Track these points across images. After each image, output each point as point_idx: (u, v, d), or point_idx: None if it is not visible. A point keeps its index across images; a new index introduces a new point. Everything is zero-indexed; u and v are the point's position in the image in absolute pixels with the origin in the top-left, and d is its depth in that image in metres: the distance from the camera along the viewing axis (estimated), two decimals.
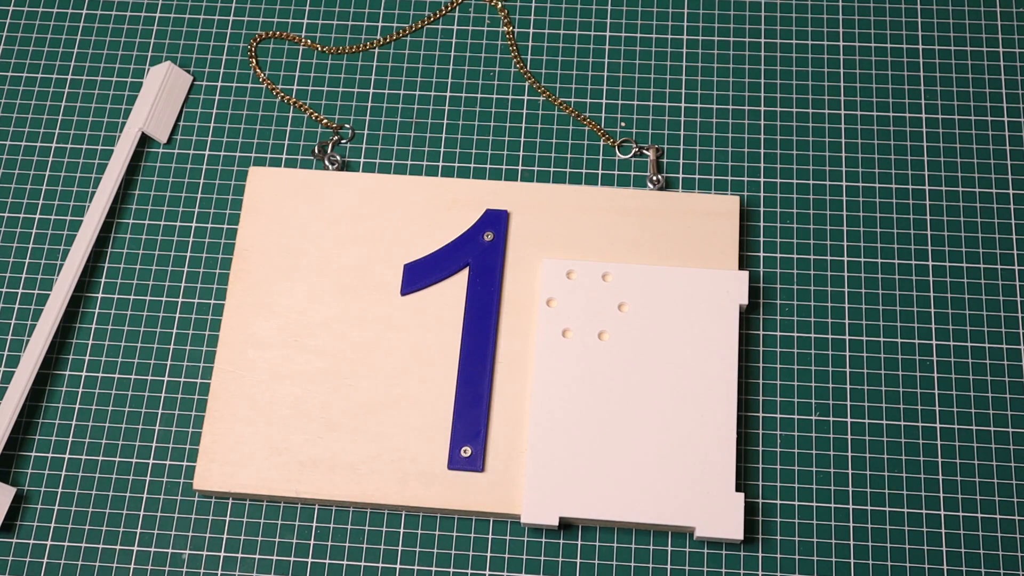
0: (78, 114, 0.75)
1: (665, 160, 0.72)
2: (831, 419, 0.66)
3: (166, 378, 0.68)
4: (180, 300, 0.70)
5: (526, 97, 0.74)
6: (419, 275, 0.68)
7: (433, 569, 0.63)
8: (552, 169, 0.72)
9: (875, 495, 0.64)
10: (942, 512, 0.64)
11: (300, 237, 0.69)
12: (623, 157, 0.72)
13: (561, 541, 0.64)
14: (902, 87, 0.74)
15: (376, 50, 0.76)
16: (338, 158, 0.72)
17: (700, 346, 0.65)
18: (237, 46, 0.77)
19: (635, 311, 0.66)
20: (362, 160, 0.73)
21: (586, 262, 0.67)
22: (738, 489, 0.64)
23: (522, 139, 0.73)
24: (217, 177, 0.73)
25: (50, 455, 0.66)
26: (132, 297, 0.70)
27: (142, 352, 0.68)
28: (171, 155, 0.74)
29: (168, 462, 0.66)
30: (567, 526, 0.64)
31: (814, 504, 0.64)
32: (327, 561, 0.63)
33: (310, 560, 0.64)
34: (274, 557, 0.64)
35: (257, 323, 0.67)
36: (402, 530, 0.64)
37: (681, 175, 0.72)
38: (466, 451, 0.64)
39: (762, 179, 0.71)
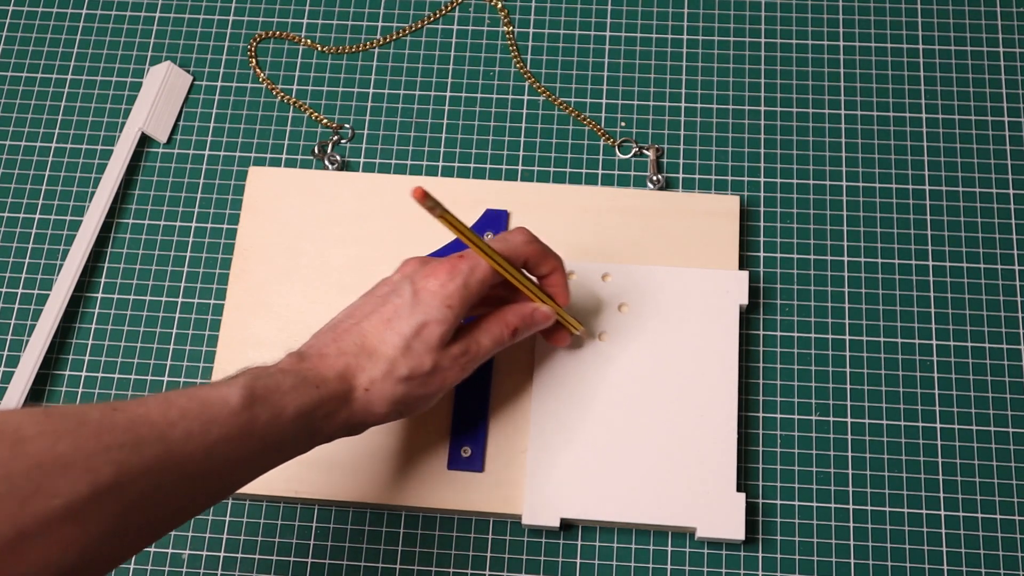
0: (78, 114, 0.75)
1: (665, 160, 0.72)
2: (831, 419, 0.66)
3: (166, 378, 0.68)
4: (180, 300, 0.70)
5: (526, 97, 0.74)
6: None
7: (433, 569, 0.63)
8: (552, 169, 0.72)
9: (875, 495, 0.64)
10: (942, 512, 0.64)
11: (300, 237, 0.69)
12: (623, 157, 0.72)
13: (561, 541, 0.64)
14: (902, 87, 0.74)
15: (376, 50, 0.76)
16: (338, 158, 0.72)
17: (700, 346, 0.65)
18: (237, 46, 0.77)
19: (635, 311, 0.66)
20: (362, 160, 0.73)
21: (586, 263, 0.67)
22: (739, 489, 0.64)
23: (522, 139, 0.73)
24: (217, 177, 0.73)
25: None
26: (132, 297, 0.70)
27: (142, 352, 0.68)
28: (171, 155, 0.74)
29: None
30: (567, 526, 0.64)
31: (814, 504, 0.64)
32: (327, 561, 0.63)
33: (310, 560, 0.64)
34: (274, 557, 0.64)
35: (257, 323, 0.67)
36: (402, 530, 0.64)
37: (681, 175, 0.72)
38: (466, 451, 0.64)
39: (762, 179, 0.71)
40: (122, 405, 0.46)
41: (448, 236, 0.68)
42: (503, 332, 0.58)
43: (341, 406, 0.54)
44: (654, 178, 0.71)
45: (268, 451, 0.51)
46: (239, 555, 0.64)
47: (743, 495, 0.62)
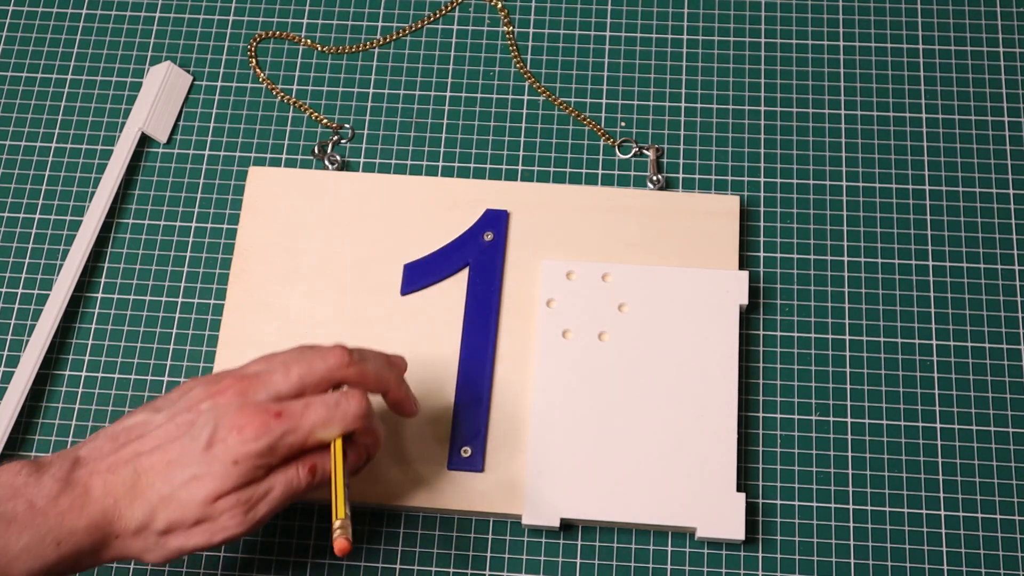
0: (78, 114, 0.75)
1: (665, 160, 0.72)
2: (831, 419, 0.66)
3: (166, 378, 0.68)
4: (180, 300, 0.70)
5: (526, 97, 0.74)
6: (419, 275, 0.68)
7: (433, 569, 0.63)
8: (552, 169, 0.72)
9: (875, 495, 0.64)
10: (942, 512, 0.64)
11: (300, 237, 0.69)
12: (623, 157, 0.72)
13: (561, 541, 0.63)
14: (902, 87, 0.74)
15: (376, 50, 0.76)
16: (338, 158, 0.72)
17: (700, 346, 0.65)
18: (237, 46, 0.77)
19: (635, 311, 0.66)
20: (362, 160, 0.73)
21: (586, 263, 0.67)
22: (739, 489, 0.64)
23: (522, 139, 0.73)
24: (217, 177, 0.73)
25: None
26: (132, 297, 0.70)
27: (142, 352, 0.68)
28: (171, 155, 0.74)
29: None
30: (567, 526, 0.64)
31: (814, 504, 0.64)
32: (327, 561, 0.63)
33: (310, 560, 0.64)
34: (274, 557, 0.64)
35: (257, 323, 0.67)
36: (402, 530, 0.64)
37: (681, 175, 0.72)
38: (466, 451, 0.64)
39: (762, 179, 0.71)
40: None
41: (448, 236, 0.68)
42: (298, 473, 0.53)
43: (88, 557, 0.50)
44: (654, 178, 0.71)
45: None
46: (239, 555, 0.64)
47: (743, 495, 0.62)
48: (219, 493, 0.51)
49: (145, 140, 0.74)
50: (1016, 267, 0.69)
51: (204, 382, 0.54)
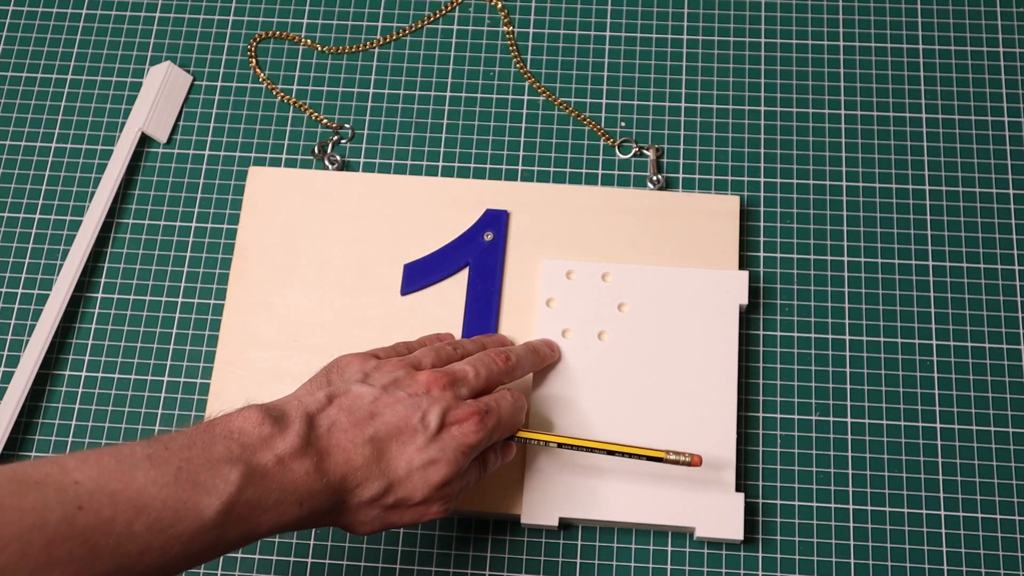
0: (78, 114, 0.75)
1: (665, 160, 0.72)
2: (831, 419, 0.66)
3: (166, 378, 0.68)
4: (180, 300, 0.70)
5: (526, 97, 0.74)
6: (419, 275, 0.68)
7: (433, 569, 0.63)
8: (552, 169, 0.72)
9: (875, 495, 0.64)
10: (942, 512, 0.63)
11: (300, 237, 0.69)
12: (623, 157, 0.72)
13: (561, 541, 0.63)
14: (902, 87, 0.74)
15: (376, 50, 0.76)
16: (338, 158, 0.72)
17: (700, 346, 0.65)
18: (237, 46, 0.77)
19: (635, 311, 0.66)
20: (362, 160, 0.73)
21: (586, 262, 0.67)
22: (738, 489, 0.64)
23: (522, 139, 0.73)
24: (217, 177, 0.73)
25: (50, 455, 0.66)
26: (132, 297, 0.70)
27: (142, 352, 0.68)
28: (171, 155, 0.74)
29: None
30: (567, 526, 0.64)
31: (814, 504, 0.64)
32: (327, 561, 0.63)
33: (310, 560, 0.64)
34: (274, 557, 0.64)
35: (257, 323, 0.67)
36: (402, 530, 0.64)
37: (681, 175, 0.72)
38: None
39: (762, 179, 0.71)
40: (90, 501, 0.44)
41: (448, 236, 0.68)
42: (478, 469, 0.58)
43: (320, 518, 0.52)
44: (654, 178, 0.71)
45: (220, 555, 0.49)
46: (239, 555, 0.64)
47: (742, 495, 0.62)
48: (448, 479, 0.54)
49: (145, 140, 0.74)
50: (1016, 267, 0.69)
51: (398, 365, 0.56)
